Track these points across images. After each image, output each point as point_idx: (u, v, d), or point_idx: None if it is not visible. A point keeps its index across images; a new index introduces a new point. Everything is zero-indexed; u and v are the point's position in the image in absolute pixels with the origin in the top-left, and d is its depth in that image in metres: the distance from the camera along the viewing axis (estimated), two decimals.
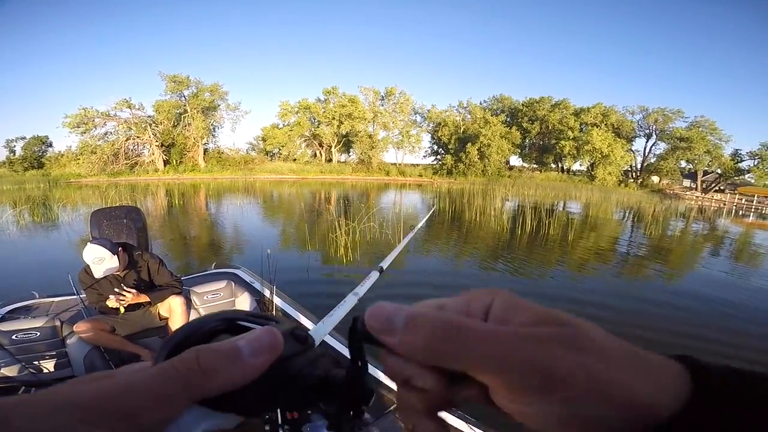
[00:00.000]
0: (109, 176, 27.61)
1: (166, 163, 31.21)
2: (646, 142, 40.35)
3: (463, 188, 27.74)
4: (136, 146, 30.82)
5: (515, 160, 45.34)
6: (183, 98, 31.51)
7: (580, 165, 40.01)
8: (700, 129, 35.58)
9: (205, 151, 33.36)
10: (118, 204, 12.70)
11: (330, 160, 39.39)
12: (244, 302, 3.04)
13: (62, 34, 69.91)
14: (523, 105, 42.69)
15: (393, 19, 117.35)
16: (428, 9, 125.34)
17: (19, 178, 27.35)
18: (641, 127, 39.78)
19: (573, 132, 37.05)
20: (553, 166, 42.39)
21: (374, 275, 1.65)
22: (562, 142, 37.02)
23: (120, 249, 2.47)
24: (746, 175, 37.47)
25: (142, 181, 26.73)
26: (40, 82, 64.70)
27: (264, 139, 38.14)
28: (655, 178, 39.80)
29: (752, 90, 79.44)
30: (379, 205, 15.24)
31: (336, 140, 38.37)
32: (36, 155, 31.04)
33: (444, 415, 1.21)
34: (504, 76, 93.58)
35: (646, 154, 40.57)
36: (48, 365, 2.41)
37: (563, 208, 20.99)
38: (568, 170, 41.56)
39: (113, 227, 2.79)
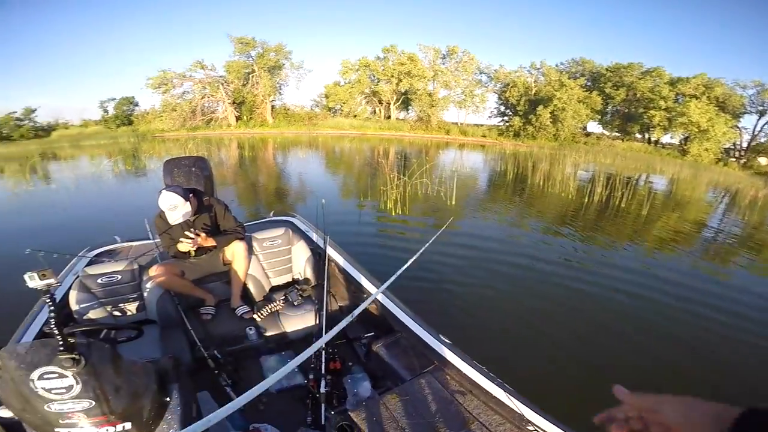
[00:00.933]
0: (188, 131, 30.07)
1: (237, 119, 33.17)
2: (758, 119, 33.90)
3: (531, 151, 26.00)
4: (210, 104, 32.98)
5: (594, 127, 40.93)
6: (250, 59, 32.75)
7: (671, 138, 35.12)
8: None
9: (273, 107, 34.82)
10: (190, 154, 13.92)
11: (389, 117, 39.17)
12: (299, 250, 3.09)
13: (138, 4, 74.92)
14: (607, 70, 37.72)
15: None
16: None
17: (113, 134, 30.72)
18: (753, 102, 33.32)
19: (666, 102, 32.30)
20: (639, 136, 37.70)
21: (376, 294, 1.64)
22: (652, 111, 32.53)
23: (191, 195, 2.55)
24: None
25: (217, 135, 28.87)
26: (125, 49, 70.89)
27: (327, 96, 38.84)
28: (762, 160, 33.74)
29: None
30: (432, 163, 14.93)
31: (395, 98, 37.83)
32: (125, 113, 33.98)
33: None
34: (585, 39, 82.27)
35: (756, 132, 34.26)
36: (129, 308, 2.55)
37: (645, 182, 18.89)
38: (656, 142, 36.66)
39: (183, 175, 2.89)
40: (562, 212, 9.11)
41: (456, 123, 39.50)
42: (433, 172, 11.16)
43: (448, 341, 2.13)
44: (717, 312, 4.38)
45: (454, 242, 6.02)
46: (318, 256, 3.08)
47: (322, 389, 1.88)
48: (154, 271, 2.47)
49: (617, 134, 38.59)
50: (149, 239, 3.27)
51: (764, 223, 11.55)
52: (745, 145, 35.24)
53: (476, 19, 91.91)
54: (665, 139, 36.62)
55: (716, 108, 31.42)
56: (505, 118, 38.28)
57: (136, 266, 2.63)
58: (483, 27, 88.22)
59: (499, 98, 38.87)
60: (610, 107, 37.40)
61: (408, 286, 4.27)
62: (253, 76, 32.63)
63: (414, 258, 1.84)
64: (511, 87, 36.40)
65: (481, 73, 39.28)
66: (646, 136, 37.30)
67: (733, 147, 35.39)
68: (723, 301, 4.76)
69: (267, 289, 2.92)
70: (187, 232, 2.48)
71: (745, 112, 34.00)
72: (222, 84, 32.23)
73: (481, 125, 40.45)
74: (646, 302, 4.51)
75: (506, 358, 3.15)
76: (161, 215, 2.51)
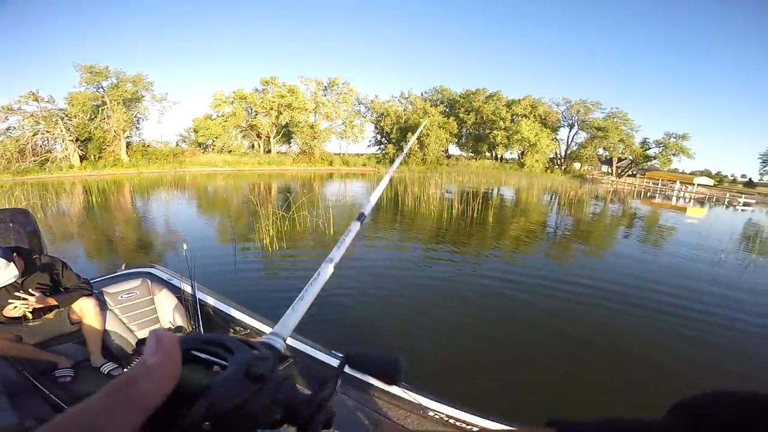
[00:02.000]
0: (14, 175, 24.83)
1: (82, 158, 28.63)
2: (569, 131, 43.97)
3: (403, 176, 28.63)
4: (46, 141, 27.84)
5: (454, 149, 47.31)
6: (101, 89, 29.00)
7: (511, 153, 42.78)
8: (614, 119, 39.41)
9: (129, 144, 31.01)
10: (16, 206, 11.70)
11: (269, 151, 38.34)
12: (164, 299, 2.89)
13: None
14: (460, 96, 44.43)
15: (335, 10, 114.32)
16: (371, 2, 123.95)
17: None
18: (565, 117, 43.22)
19: (504, 122, 39.38)
20: (488, 154, 44.82)
21: (355, 227, 1.68)
22: (495, 131, 39.24)
23: (14, 254, 2.23)
24: (653, 161, 42.19)
25: (55, 179, 24.41)
26: None
27: (196, 131, 36.08)
28: (576, 165, 43.55)
29: (659, 82, 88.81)
30: (311, 195, 15.43)
31: (275, 131, 37.46)
32: None
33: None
34: (444, 68, 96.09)
35: (569, 142, 44.22)
36: None
37: (497, 194, 22.75)
38: (501, 158, 44.18)
39: None
40: (434, 229, 10.31)
41: (338, 154, 41.10)
42: (313, 204, 11.51)
43: (340, 355, 2.36)
44: (573, 289, 5.73)
45: (342, 268, 6.53)
46: (187, 303, 2.93)
47: None
48: None
49: (471, 154, 45.29)
50: None
51: (585, 215, 15.27)
52: (563, 153, 44.97)
53: (353, 49, 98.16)
54: (508, 155, 44.40)
55: (540, 124, 39.50)
56: (381, 146, 41.52)
57: None
58: (360, 58, 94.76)
59: (375, 127, 42.11)
60: (464, 130, 43.75)
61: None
62: (103, 109, 28.79)
63: (329, 272, 2.08)
64: (385, 116, 39.85)
65: (359, 103, 42.18)
66: (493, 153, 44.60)
67: (555, 156, 44.75)
68: (572, 280, 6.21)
69: (133, 343, 2.72)
70: (16, 294, 2.21)
71: (560, 126, 43.46)
72: (62, 118, 27.58)
73: (361, 154, 43.01)
74: (515, 292, 5.57)
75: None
76: None
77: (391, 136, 38.87)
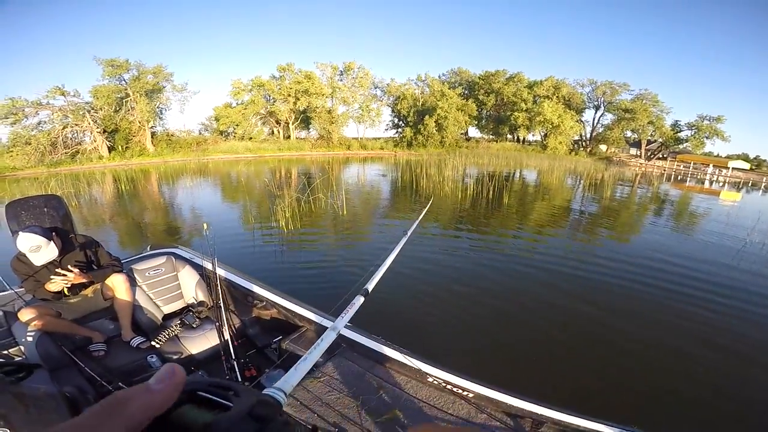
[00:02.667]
0: (48, 167, 25.90)
1: (111, 149, 29.62)
2: (595, 113, 42.19)
3: (422, 159, 28.34)
4: (75, 134, 28.81)
5: (474, 132, 46.29)
6: (123, 82, 29.72)
7: (533, 135, 41.48)
8: (643, 101, 37.52)
9: (153, 134, 31.81)
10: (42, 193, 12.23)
11: (288, 137, 38.60)
12: (187, 276, 3.05)
13: None
14: (479, 78, 43.21)
15: None
16: None
17: None
18: (590, 99, 41.44)
19: (526, 104, 38.15)
20: (509, 137, 43.67)
21: (358, 301, 1.58)
22: (516, 113, 38.09)
23: (53, 234, 2.35)
24: (685, 144, 40.11)
25: (86, 170, 25.41)
26: None
27: (217, 119, 36.68)
28: (603, 147, 41.90)
29: (693, 64, 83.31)
30: (325, 178, 15.51)
31: (293, 117, 37.63)
32: None
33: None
34: (463, 50, 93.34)
35: (595, 124, 42.50)
36: (2, 355, 2.28)
37: (519, 176, 22.27)
38: (523, 140, 42.93)
39: (33, 217, 2.54)
40: (458, 213, 10.11)
41: (356, 138, 40.89)
42: (328, 188, 11.62)
43: (350, 323, 2.42)
44: (599, 272, 5.66)
45: (354, 246, 6.64)
46: (208, 279, 3.03)
47: None
48: (25, 314, 2.26)
49: (492, 137, 44.17)
50: (5, 290, 2.85)
51: (612, 197, 14.88)
52: (588, 136, 43.31)
53: (368, 33, 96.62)
54: (530, 137, 43.09)
55: (564, 106, 38.09)
56: (399, 129, 41.03)
57: (0, 313, 2.44)
58: (375, 41, 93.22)
59: (392, 111, 41.55)
60: (484, 112, 42.65)
61: (310, 287, 4.73)
62: (127, 101, 29.59)
63: (332, 339, 1.89)
64: (402, 99, 39.23)
65: (376, 87, 41.68)
66: (515, 135, 43.39)
67: (580, 138, 43.16)
68: (600, 263, 6.11)
69: (160, 318, 2.85)
70: (58, 270, 2.32)
71: (585, 108, 41.79)
72: (89, 111, 28.49)
73: (379, 138, 42.65)
74: (539, 274, 5.54)
75: (407, 331, 3.68)
76: (20, 258, 2.31)
77: (408, 119, 38.33)
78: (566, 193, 16.08)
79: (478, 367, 3.21)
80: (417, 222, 2.68)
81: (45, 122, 27.85)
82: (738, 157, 44.16)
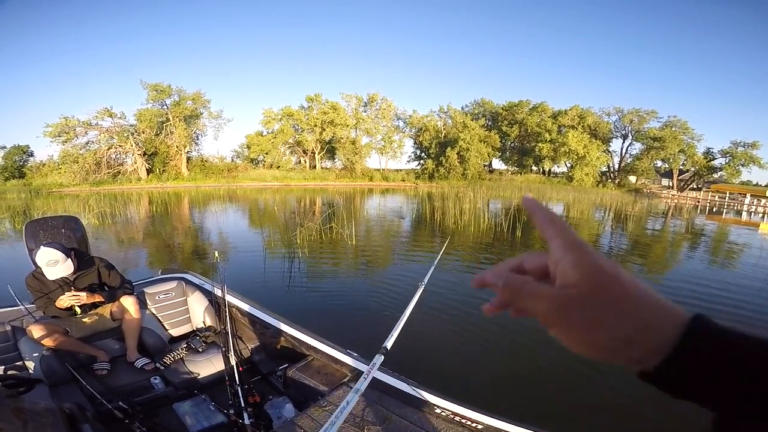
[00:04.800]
0: (91, 185, 27.75)
1: (149, 171, 31.45)
2: (623, 142, 41.43)
3: (443, 191, 28.36)
4: (118, 155, 30.98)
5: (498, 164, 46.22)
6: (165, 107, 31.75)
7: (558, 167, 40.93)
8: (672, 128, 36.68)
9: (188, 159, 33.60)
10: (62, 213, 13.03)
11: (314, 167, 39.78)
12: (196, 301, 3.10)
13: (41, 42, 68.02)
14: (502, 109, 43.66)
15: (377, 25, 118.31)
16: (411, 14, 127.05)
17: None
18: (617, 128, 40.90)
19: (550, 134, 37.94)
20: (534, 168, 43.22)
21: (379, 360, 1.59)
22: (540, 144, 37.90)
23: (72, 252, 2.49)
24: (719, 173, 38.52)
25: (125, 190, 26.97)
26: (20, 91, 63.42)
27: (248, 146, 38.46)
28: (632, 178, 40.74)
29: (723, 89, 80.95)
30: (346, 209, 15.73)
31: (319, 147, 38.89)
32: (17, 164, 30.81)
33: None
34: (486, 81, 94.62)
35: (623, 154, 41.59)
36: (7, 369, 2.32)
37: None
38: (548, 172, 42.39)
39: (51, 237, 2.69)
40: (479, 247, 9.98)
41: (378, 169, 41.61)
42: (344, 218, 11.79)
43: (355, 354, 2.35)
44: None
45: (368, 279, 6.67)
46: (217, 305, 3.10)
47: (246, 421, 1.94)
48: (34, 330, 2.31)
49: (516, 168, 43.90)
50: (17, 305, 2.89)
51: (642, 232, 14.33)
52: (616, 166, 42.31)
53: (394, 65, 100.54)
54: (556, 168, 42.57)
55: (590, 136, 37.58)
56: (421, 161, 41.44)
57: (9, 328, 2.52)
58: (400, 73, 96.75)
59: (414, 142, 42.27)
60: (507, 144, 42.69)
61: (318, 315, 4.76)
62: (167, 126, 31.48)
63: (354, 402, 1.70)
64: (424, 131, 39.95)
65: (398, 119, 42.71)
66: (540, 167, 42.98)
67: (608, 169, 42.20)
68: None
69: (166, 341, 2.86)
70: (70, 291, 2.44)
71: (612, 137, 41.08)
72: (132, 133, 30.47)
73: (401, 170, 43.27)
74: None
75: (417, 364, 3.50)
76: (35, 275, 2.42)
77: (430, 151, 38.81)
78: (593, 227, 15.59)
79: (496, 399, 3.19)
80: (431, 270, 2.68)
81: (92, 142, 30.13)
82: None
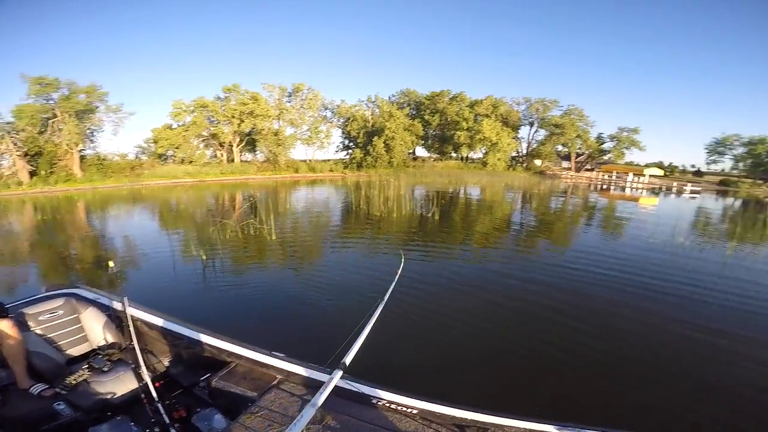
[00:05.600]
0: None
1: (32, 174, 27.43)
2: (530, 129, 45.76)
3: (370, 180, 28.92)
4: None
5: (421, 151, 48.07)
6: (52, 101, 27.85)
7: (475, 153, 43.89)
8: (571, 116, 41.19)
9: (82, 158, 29.85)
10: None
11: (232, 160, 37.75)
12: (91, 317, 2.86)
13: None
14: (426, 98, 45.30)
15: (307, 15, 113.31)
16: (340, 4, 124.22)
17: None
18: (525, 116, 44.92)
19: (467, 123, 40.41)
20: (453, 155, 45.81)
21: (336, 375, 1.57)
22: (458, 132, 40.23)
23: None
24: (608, 155, 44.29)
25: (1, 198, 23.31)
26: None
27: (155, 141, 34.88)
28: (537, 162, 45.19)
29: (611, 78, 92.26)
30: (268, 204, 15.48)
31: (238, 139, 37.02)
32: None
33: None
34: (411, 71, 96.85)
35: (530, 140, 45.99)
36: None
37: (463, 194, 23.50)
38: (466, 158, 45.20)
39: None
40: (408, 231, 10.67)
41: (305, 160, 40.86)
42: (269, 212, 11.54)
43: (280, 354, 2.31)
44: (540, 278, 6.42)
45: (280, 271, 6.80)
46: (119, 320, 2.88)
47: None
48: None
49: (437, 155, 46.19)
50: None
51: (547, 210, 16.38)
52: (525, 151, 46.53)
53: (319, 55, 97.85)
54: (472, 155, 45.53)
55: (502, 123, 40.79)
56: (349, 151, 41.67)
57: None
58: (325, 63, 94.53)
59: (342, 132, 42.24)
60: (429, 132, 44.57)
61: (239, 318, 4.71)
62: (54, 122, 27.73)
63: (311, 415, 1.59)
64: (352, 121, 40.04)
65: (326, 109, 42.14)
66: (458, 154, 45.70)
67: (517, 154, 46.26)
68: (538, 270, 6.98)
69: (63, 363, 2.65)
70: None
71: (521, 125, 45.12)
72: (9, 132, 26.43)
73: (328, 160, 42.87)
74: (489, 286, 6.08)
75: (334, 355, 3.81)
76: None
77: (358, 141, 39.12)
78: (506, 208, 17.43)
79: (423, 383, 3.38)
80: (391, 288, 2.66)
81: None
82: (654, 165, 49.29)
